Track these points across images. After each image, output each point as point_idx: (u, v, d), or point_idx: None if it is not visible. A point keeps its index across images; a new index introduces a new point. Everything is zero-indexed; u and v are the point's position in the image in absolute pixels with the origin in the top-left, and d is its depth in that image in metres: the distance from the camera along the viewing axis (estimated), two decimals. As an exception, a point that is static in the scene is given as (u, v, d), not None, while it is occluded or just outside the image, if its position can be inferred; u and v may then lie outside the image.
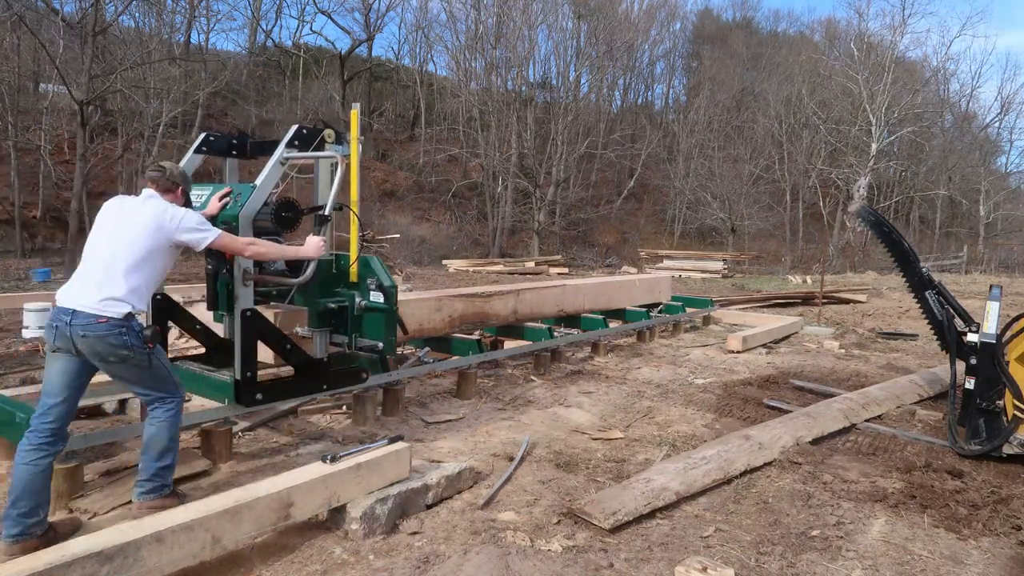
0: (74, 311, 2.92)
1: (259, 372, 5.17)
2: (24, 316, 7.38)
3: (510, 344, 6.86)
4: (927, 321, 5.06)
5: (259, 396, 3.90)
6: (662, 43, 41.80)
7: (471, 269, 20.80)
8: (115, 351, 2.93)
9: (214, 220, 3.66)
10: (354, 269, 4.41)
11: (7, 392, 4.11)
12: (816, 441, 4.57)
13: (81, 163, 14.86)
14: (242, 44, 33.30)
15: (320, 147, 4.23)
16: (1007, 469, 4.15)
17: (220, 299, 4.08)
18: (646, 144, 34.52)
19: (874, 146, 30.12)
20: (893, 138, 32.03)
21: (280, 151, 4.03)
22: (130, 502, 3.21)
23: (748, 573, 2.89)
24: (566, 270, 21.82)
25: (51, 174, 22.42)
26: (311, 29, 63.29)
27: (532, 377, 6.22)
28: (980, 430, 4.36)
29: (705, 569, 2.73)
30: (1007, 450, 4.19)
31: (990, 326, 4.38)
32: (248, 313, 3.73)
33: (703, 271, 21.90)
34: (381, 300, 4.37)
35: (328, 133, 4.22)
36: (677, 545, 3.09)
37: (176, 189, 3.31)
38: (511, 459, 4.07)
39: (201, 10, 28.37)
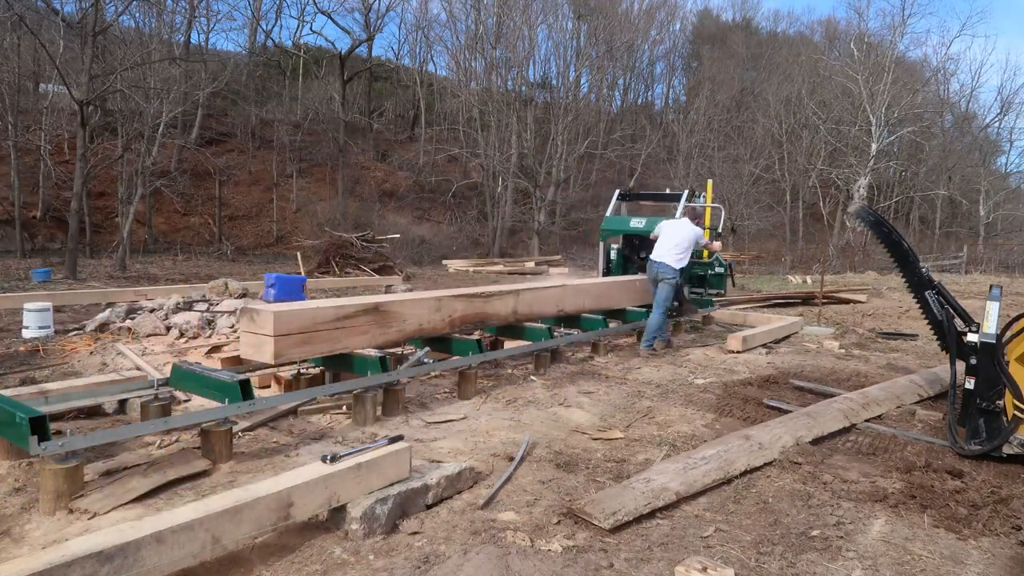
0: (659, 263, 7.50)
1: (258, 373, 5.18)
2: (24, 316, 7.38)
3: (510, 344, 6.86)
4: (927, 321, 5.05)
5: (675, 313, 8.36)
6: (662, 43, 41.83)
7: (471, 269, 20.81)
8: (667, 281, 7.45)
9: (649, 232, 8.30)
10: (706, 254, 9.39)
11: (7, 392, 4.11)
12: (816, 441, 4.57)
13: (81, 163, 14.84)
14: (242, 44, 33.35)
15: (693, 199, 9.54)
16: (1007, 469, 4.16)
17: (613, 272, 9.73)
18: (646, 144, 34.49)
19: (874, 146, 30.11)
20: (893, 138, 32.00)
21: (683, 202, 9.13)
22: (130, 502, 3.24)
23: (748, 573, 2.89)
24: (566, 270, 21.81)
25: (51, 174, 22.42)
26: (311, 29, 63.35)
27: (532, 377, 6.22)
28: (980, 430, 4.36)
29: (705, 569, 2.73)
30: (1007, 450, 4.19)
31: (990, 326, 4.37)
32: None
33: (703, 271, 21.85)
34: (722, 270, 9.81)
35: (696, 192, 9.88)
36: (677, 545, 3.09)
37: (696, 218, 8.11)
38: (511, 459, 4.07)
39: (201, 10, 28.42)
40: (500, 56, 31.60)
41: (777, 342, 8.62)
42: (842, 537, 3.24)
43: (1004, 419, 4.27)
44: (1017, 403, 4.18)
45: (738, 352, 7.76)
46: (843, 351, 8.17)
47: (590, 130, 32.92)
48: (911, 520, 3.46)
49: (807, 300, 12.75)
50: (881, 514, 3.52)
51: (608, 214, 10.09)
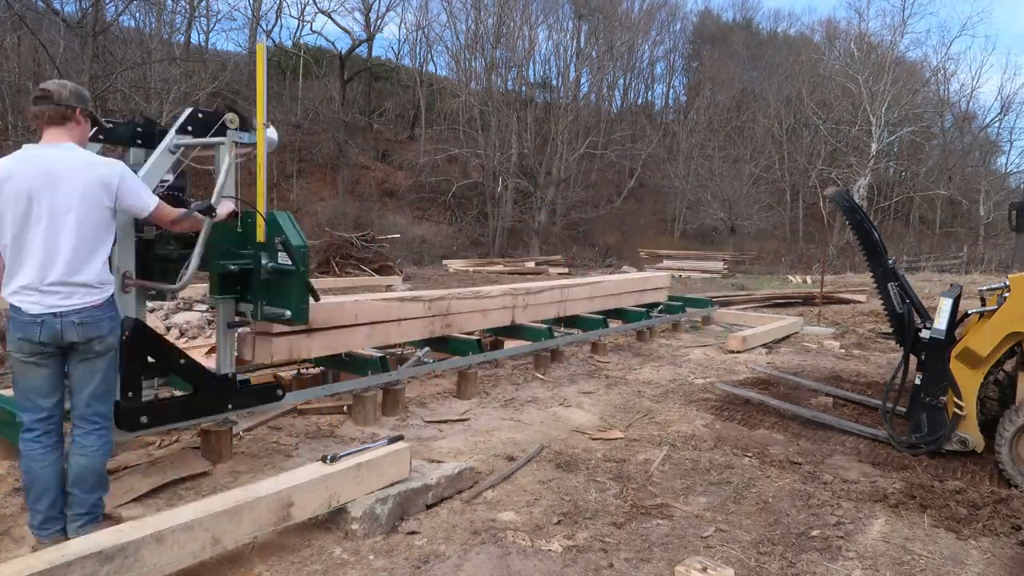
0: None
1: (258, 373, 5.17)
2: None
3: (510, 344, 6.86)
4: (886, 312, 4.99)
5: None
6: (662, 43, 41.78)
7: (471, 269, 20.80)
8: None
9: None
10: None
11: (7, 392, 4.10)
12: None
13: (81, 163, 14.84)
14: (242, 44, 33.29)
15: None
16: (944, 462, 4.24)
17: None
18: (646, 144, 34.50)
19: (874, 146, 30.13)
20: (893, 138, 32.02)
21: None
22: (130, 502, 3.22)
23: (748, 573, 2.89)
24: (566, 270, 21.81)
25: (51, 174, 22.37)
26: (311, 29, 63.07)
27: (532, 377, 6.22)
28: (922, 425, 4.44)
29: (705, 569, 2.73)
30: (947, 446, 4.29)
31: (941, 322, 4.39)
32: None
33: (703, 271, 21.90)
34: None
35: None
36: (677, 545, 3.09)
37: None
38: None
39: (201, 10, 28.38)
40: (500, 56, 31.63)
41: (777, 342, 8.61)
42: (842, 537, 3.24)
43: (946, 416, 4.34)
44: (956, 401, 4.24)
45: (738, 352, 7.76)
46: (843, 351, 8.17)
47: (590, 130, 32.93)
48: (911, 520, 3.46)
49: (807, 300, 12.75)
50: (881, 514, 3.52)
51: None
